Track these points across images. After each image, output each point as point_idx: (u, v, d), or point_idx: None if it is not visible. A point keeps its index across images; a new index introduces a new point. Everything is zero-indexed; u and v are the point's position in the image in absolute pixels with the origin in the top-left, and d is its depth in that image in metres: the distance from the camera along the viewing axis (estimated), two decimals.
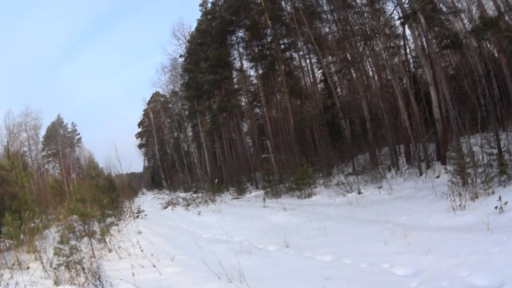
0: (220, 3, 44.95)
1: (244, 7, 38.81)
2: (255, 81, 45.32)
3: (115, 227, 19.29)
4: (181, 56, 53.44)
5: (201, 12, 48.23)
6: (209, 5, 47.47)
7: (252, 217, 19.29)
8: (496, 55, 23.00)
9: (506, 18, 21.23)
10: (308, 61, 40.96)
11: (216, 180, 44.10)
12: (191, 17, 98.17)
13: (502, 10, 20.73)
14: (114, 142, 71.71)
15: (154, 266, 10.99)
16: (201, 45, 44.74)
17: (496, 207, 11.34)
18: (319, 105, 36.81)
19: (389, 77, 29.76)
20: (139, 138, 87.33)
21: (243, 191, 34.69)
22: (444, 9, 30.17)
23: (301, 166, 26.81)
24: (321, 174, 29.59)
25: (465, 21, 32.08)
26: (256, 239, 13.82)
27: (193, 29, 51.20)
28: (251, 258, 11.28)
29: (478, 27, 19.77)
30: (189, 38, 52.19)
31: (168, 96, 70.50)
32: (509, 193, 12.51)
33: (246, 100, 46.75)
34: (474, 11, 32.95)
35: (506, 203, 11.29)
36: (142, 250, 12.91)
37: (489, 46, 33.23)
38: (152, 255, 12.37)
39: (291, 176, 27.48)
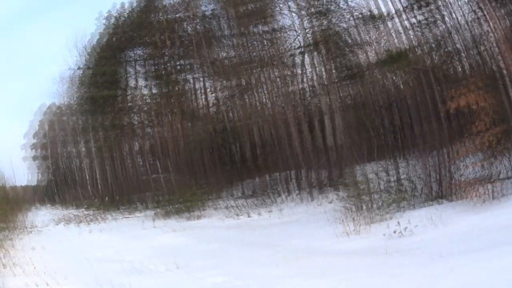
0: (123, 19, 41.81)
1: (146, 25, 36.64)
2: (148, 100, 41.83)
3: (9, 242, 17.43)
4: (79, 68, 48.64)
5: (104, 26, 44.36)
6: (113, 19, 43.64)
7: (142, 237, 17.95)
8: (402, 86, 22.20)
9: (418, 51, 20.90)
10: (202, 84, 38.83)
11: (107, 198, 41.75)
12: (95, 29, 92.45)
13: (415, 44, 20.46)
14: (8, 154, 66.27)
15: (48, 285, 9.71)
16: (100, 59, 41.24)
17: (394, 232, 11.15)
18: (209, 128, 34.93)
19: (283, 105, 28.31)
20: (33, 150, 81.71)
21: (134, 211, 32.07)
22: (350, 41, 28.97)
23: (191, 188, 25.63)
24: (210, 196, 27.83)
25: (372, 52, 31.70)
26: (147, 259, 12.42)
27: (95, 41, 47.26)
28: (142, 279, 10.12)
29: (384, 60, 19.79)
30: (89, 50, 48.11)
31: (63, 109, 64.97)
32: (408, 218, 12.19)
33: (139, 118, 43.21)
34: (382, 44, 32.52)
35: (406, 228, 11.13)
36: (35, 268, 11.56)
37: (394, 77, 32.37)
38: (45, 273, 10.81)
39: (181, 198, 25.84)
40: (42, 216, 38.05)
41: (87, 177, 55.77)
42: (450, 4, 25.17)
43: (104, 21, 43.26)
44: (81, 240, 20.06)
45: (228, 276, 9.73)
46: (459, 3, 25.96)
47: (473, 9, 23.44)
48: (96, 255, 14.69)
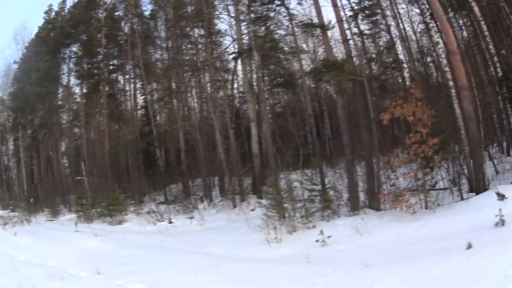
0: (63, 13, 39.38)
1: (85, 21, 34.31)
2: (78, 100, 39.57)
3: None
4: (15, 62, 46.35)
5: (44, 20, 41.09)
6: (53, 13, 40.80)
7: (65, 241, 16.14)
8: (335, 96, 21.22)
9: (356, 61, 20.23)
10: (132, 85, 37.13)
11: (32, 200, 38.23)
12: (36, 22, 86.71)
13: (354, 54, 19.63)
14: None
15: None
16: (36, 54, 38.45)
17: (317, 240, 10.92)
18: (136, 131, 33.77)
19: (211, 110, 27.13)
20: None
21: (57, 214, 29.63)
22: (286, 49, 28.55)
23: (113, 192, 23.64)
24: (133, 201, 26.27)
25: (307, 61, 31.75)
26: (69, 264, 11.37)
27: (33, 35, 44.56)
28: (64, 284, 9.35)
29: (318, 69, 18.64)
30: (27, 44, 45.53)
31: None
32: (333, 227, 12.41)
33: (67, 118, 40.74)
34: (319, 53, 32.50)
35: (330, 236, 10.94)
36: None
37: (327, 87, 33.11)
38: None
39: (103, 202, 23.88)
40: None
41: (14, 177, 52.29)
42: (399, 15, 25.01)
43: (45, 14, 40.41)
44: (6, 242, 18.04)
45: (148, 283, 9.31)
46: (410, 13, 26.43)
47: (425, 20, 23.31)
48: (20, 258, 13.55)
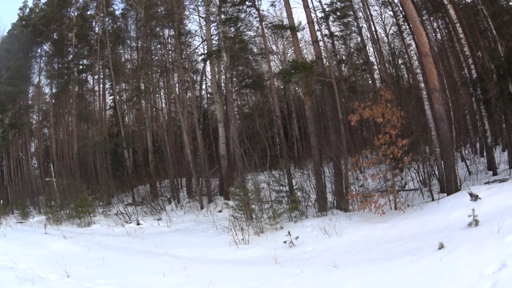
0: (37, 10, 38.25)
1: (57, 20, 33.45)
2: (48, 99, 38.75)
3: None
4: None
5: (18, 16, 39.70)
6: (28, 10, 39.65)
7: (35, 243, 15.52)
8: (303, 97, 20.45)
9: (326, 63, 19.73)
10: (101, 85, 36.23)
11: (1, 201, 36.51)
12: (10, 19, 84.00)
13: (324, 55, 19.37)
14: None
15: None
16: (8, 52, 37.41)
17: (285, 242, 10.85)
18: (104, 132, 33.05)
19: (179, 111, 26.42)
20: None
21: (27, 215, 29.17)
22: (255, 50, 28.79)
23: (82, 193, 23.20)
24: (101, 202, 26.07)
25: (277, 62, 31.98)
26: (39, 267, 10.98)
27: (6, 32, 43.41)
28: None
29: (287, 70, 18.18)
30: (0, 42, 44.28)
31: None
32: (301, 228, 12.28)
33: (37, 118, 40.35)
34: (289, 54, 32.28)
35: (298, 237, 10.85)
36: None
37: (296, 88, 33.85)
38: None
39: (72, 203, 23.12)
40: None
41: None
42: (371, 17, 24.81)
43: (19, 11, 39.39)
44: None
45: (117, 286, 9.23)
46: (383, 16, 26.98)
47: (398, 22, 22.72)
48: None
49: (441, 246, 7.57)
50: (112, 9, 34.09)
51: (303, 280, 7.88)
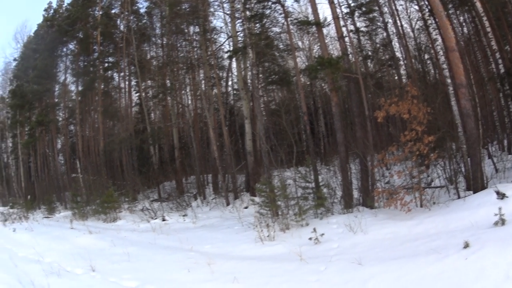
0: (61, 11, 39.05)
1: (82, 19, 34.00)
2: (74, 97, 39.42)
3: None
4: (15, 60, 46.20)
5: (43, 17, 41.12)
6: (52, 11, 40.66)
7: (61, 238, 16.04)
8: (329, 93, 20.16)
9: (352, 59, 19.60)
10: (127, 83, 36.78)
11: (29, 197, 38.53)
12: (36, 21, 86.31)
13: (350, 51, 19.09)
14: None
15: None
16: (34, 51, 38.76)
17: (310, 238, 10.59)
18: (130, 128, 33.47)
19: (205, 108, 26.69)
20: None
21: (53, 211, 29.59)
22: (281, 46, 28.45)
23: (107, 189, 23.35)
24: (127, 198, 25.94)
25: (303, 58, 32.06)
26: (65, 261, 11.34)
27: (32, 33, 44.50)
28: (61, 281, 9.30)
29: (313, 66, 17.67)
30: (26, 42, 45.53)
31: None
32: (326, 225, 12.09)
33: (63, 115, 41.17)
34: (315, 50, 32.30)
35: (323, 234, 10.61)
36: None
37: (323, 84, 33.36)
38: None
39: (98, 199, 23.55)
40: None
41: (12, 174, 52.01)
42: (397, 12, 24.59)
43: (44, 12, 40.25)
44: (6, 239, 18.30)
45: (141, 281, 9.17)
46: (409, 10, 26.35)
47: (424, 17, 22.89)
48: (19, 254, 13.56)
49: (466, 245, 7.39)
50: (136, 7, 34.46)
51: (328, 277, 7.78)
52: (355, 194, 15.34)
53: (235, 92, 32.05)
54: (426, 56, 26.15)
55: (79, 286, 9.09)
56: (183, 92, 34.75)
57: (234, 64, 28.24)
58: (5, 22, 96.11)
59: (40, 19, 41.35)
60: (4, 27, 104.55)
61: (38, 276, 9.35)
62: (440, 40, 19.16)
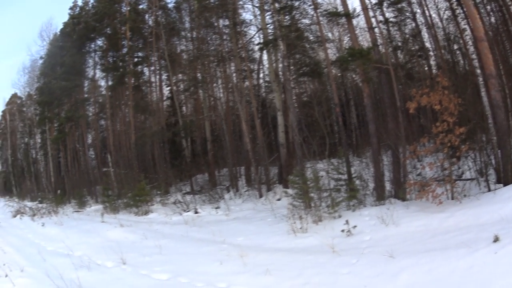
0: (87, 8, 39.82)
1: (109, 15, 34.69)
2: (104, 92, 39.91)
3: None
4: (41, 57, 46.94)
5: (69, 15, 41.82)
6: (78, 9, 41.57)
7: (91, 231, 16.90)
8: (361, 85, 20.96)
9: (382, 50, 19.30)
10: (158, 77, 37.12)
11: (59, 191, 40.07)
12: (61, 19, 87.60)
13: (379, 42, 18.79)
14: None
15: (7, 276, 9.53)
16: (61, 49, 39.15)
17: (343, 230, 10.86)
18: (162, 122, 33.79)
19: (237, 100, 27.16)
20: None
21: (84, 205, 30.69)
22: (311, 38, 28.29)
23: (139, 183, 24.05)
24: (159, 191, 26.43)
25: (333, 50, 32.04)
26: (95, 254, 12.27)
27: (58, 31, 44.91)
28: (91, 274, 9.97)
29: (344, 57, 18.10)
30: (52, 39, 46.07)
31: (24, 99, 62.59)
32: (359, 217, 12.24)
33: (93, 110, 41.59)
34: (345, 42, 32.41)
35: (355, 226, 10.89)
36: None
37: (354, 76, 33.26)
38: (4, 265, 10.58)
39: (129, 192, 24.52)
40: (1, 208, 37.79)
41: (42, 169, 53.51)
42: (425, 1, 24.41)
43: (69, 10, 41.10)
44: (35, 233, 19.26)
45: (172, 273, 9.55)
46: (436, 0, 25.77)
47: (452, 6, 22.86)
48: (48, 249, 14.34)
49: (496, 239, 7.47)
50: (164, 2, 34.91)
51: (359, 270, 7.95)
52: (387, 186, 15.39)
53: (266, 84, 32.11)
54: (455, 47, 26.02)
55: (109, 279, 9.63)
56: (214, 85, 35.07)
57: (265, 57, 28.17)
58: (29, 21, 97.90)
59: (64, 18, 42.17)
60: (29, 25, 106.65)
61: (67, 269, 9.95)
62: (468, 30, 19.15)
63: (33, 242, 16.42)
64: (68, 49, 36.76)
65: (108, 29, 35.57)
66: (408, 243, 9.28)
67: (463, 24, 20.53)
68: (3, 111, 67.62)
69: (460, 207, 11.07)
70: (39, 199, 40.80)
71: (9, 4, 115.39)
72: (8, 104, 66.68)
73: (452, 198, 12.01)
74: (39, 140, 54.50)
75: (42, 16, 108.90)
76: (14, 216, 28.90)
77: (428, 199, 11.81)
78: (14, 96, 64.01)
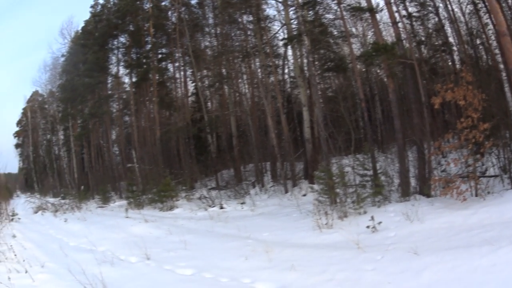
0: (109, 6, 40.44)
1: (132, 12, 35.33)
2: (128, 89, 40.27)
3: None
4: (63, 55, 48.16)
5: (90, 14, 42.86)
6: (99, 7, 42.27)
7: (115, 227, 17.28)
8: (385, 80, 21.39)
9: (406, 44, 19.06)
10: (182, 73, 37.74)
11: (82, 187, 40.71)
12: (82, 17, 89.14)
13: (403, 37, 18.69)
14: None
15: (27, 272, 9.67)
16: (83, 46, 39.95)
17: (368, 227, 10.85)
18: (187, 118, 34.43)
19: (262, 96, 27.49)
20: (16, 138, 79.61)
21: (108, 200, 31.58)
22: (335, 33, 28.04)
23: (164, 178, 24.76)
24: (184, 187, 27.01)
25: (357, 45, 32.01)
26: (119, 249, 12.47)
27: (80, 29, 45.84)
28: (114, 269, 10.11)
29: (369, 52, 18.27)
30: (73, 37, 47.13)
31: (45, 96, 63.12)
32: (384, 213, 12.25)
33: (117, 107, 42.10)
34: (369, 37, 32.29)
35: (380, 222, 10.85)
36: (15, 255, 11.65)
37: (378, 71, 33.16)
38: (24, 260, 10.85)
39: (154, 188, 25.16)
40: (22, 204, 38.00)
41: (65, 166, 54.61)
42: None
43: (91, 9, 41.89)
44: (57, 229, 19.69)
45: (197, 268, 9.60)
46: None
47: (474, 0, 22.68)
48: (71, 244, 14.66)
49: None
50: None
51: (383, 266, 7.94)
52: (412, 182, 15.26)
53: (291, 79, 32.30)
54: (478, 41, 25.77)
55: (133, 274, 9.76)
56: (239, 80, 35.24)
57: (289, 52, 28.44)
58: (49, 20, 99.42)
59: (84, 16, 42.89)
60: (49, 24, 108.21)
61: (89, 265, 9.96)
62: (491, 25, 19.11)
63: (55, 237, 16.96)
64: (90, 46, 37.55)
65: (131, 26, 36.20)
66: (432, 240, 9.23)
67: (485, 19, 20.32)
68: (24, 109, 68.85)
69: (484, 204, 11.00)
70: (62, 195, 41.74)
71: (27, 4, 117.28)
72: (29, 101, 67.85)
73: (476, 195, 11.93)
74: (62, 137, 55.49)
75: (60, 14, 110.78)
76: (36, 212, 29.73)
77: (453, 196, 11.74)
78: (35, 93, 65.00)
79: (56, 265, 10.87)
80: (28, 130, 68.56)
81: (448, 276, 6.98)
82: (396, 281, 7.23)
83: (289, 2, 24.75)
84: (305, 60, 24.70)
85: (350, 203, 13.82)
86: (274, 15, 28.28)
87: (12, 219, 23.25)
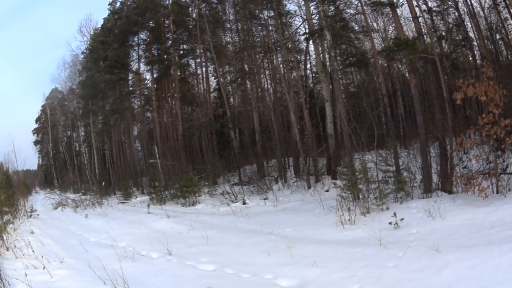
0: (128, 3, 40.93)
1: (151, 9, 35.73)
2: (149, 85, 41.27)
3: (11, 225, 17.05)
4: (82, 53, 48.68)
5: (109, 11, 43.39)
6: (118, 4, 42.88)
7: (136, 222, 17.65)
8: (407, 75, 20.82)
9: (427, 39, 19.32)
10: (204, 69, 37.87)
11: (103, 183, 41.02)
12: (100, 14, 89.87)
13: (424, 31, 18.95)
14: (12, 137, 65.61)
15: (45, 268, 9.93)
16: (103, 43, 40.55)
17: (390, 223, 10.90)
18: (209, 113, 34.66)
19: (285, 91, 27.40)
20: (35, 135, 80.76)
21: (129, 196, 31.70)
22: (356, 28, 28.74)
23: (187, 174, 24.97)
24: (207, 182, 27.61)
25: (378, 40, 32.10)
26: (140, 245, 12.62)
27: (99, 26, 46.66)
28: (135, 265, 10.36)
29: (390, 47, 18.16)
30: (92, 35, 47.64)
31: (65, 93, 64.11)
32: (406, 209, 12.22)
33: (139, 103, 42.87)
34: (390, 32, 32.20)
35: (403, 219, 10.90)
36: (33, 251, 11.84)
37: (400, 66, 33.16)
38: (42, 256, 11.05)
39: (176, 183, 25.41)
40: (41, 200, 38.47)
41: (85, 162, 55.42)
42: None
43: (109, 6, 42.53)
44: (77, 225, 20.10)
45: (219, 264, 9.73)
46: None
47: None
48: (91, 240, 14.97)
49: None
50: None
51: (405, 263, 7.98)
52: (434, 178, 15.05)
53: (314, 75, 32.60)
54: (498, 36, 25.96)
55: (154, 270, 9.89)
56: (262, 76, 35.60)
57: (311, 47, 28.69)
58: (66, 18, 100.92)
59: (103, 13, 43.47)
60: (67, 22, 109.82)
61: (110, 260, 10.02)
62: (510, 19, 19.13)
63: (75, 233, 17.37)
64: (110, 43, 38.18)
65: (151, 22, 36.68)
66: (453, 237, 9.28)
67: (504, 13, 20.38)
68: (43, 106, 69.84)
69: (505, 201, 10.88)
70: (82, 191, 42.31)
71: (44, 3, 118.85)
72: (48, 98, 68.82)
73: (497, 192, 11.85)
74: (82, 133, 56.45)
75: (78, 12, 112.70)
76: (55, 208, 30.36)
77: (474, 193, 11.66)
78: (55, 90, 65.82)
79: (76, 261, 11.13)
80: (48, 127, 69.19)
81: (469, 274, 7.01)
82: (417, 279, 7.28)
83: None
84: (327, 55, 24.80)
85: (372, 199, 13.74)
86: (295, 11, 28.69)
87: (31, 215, 23.78)
